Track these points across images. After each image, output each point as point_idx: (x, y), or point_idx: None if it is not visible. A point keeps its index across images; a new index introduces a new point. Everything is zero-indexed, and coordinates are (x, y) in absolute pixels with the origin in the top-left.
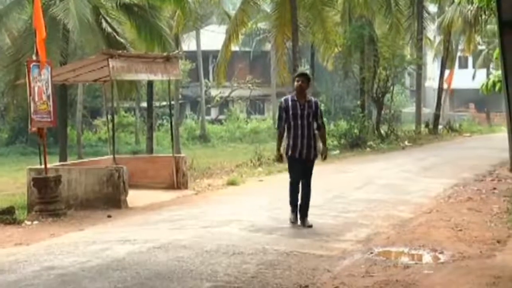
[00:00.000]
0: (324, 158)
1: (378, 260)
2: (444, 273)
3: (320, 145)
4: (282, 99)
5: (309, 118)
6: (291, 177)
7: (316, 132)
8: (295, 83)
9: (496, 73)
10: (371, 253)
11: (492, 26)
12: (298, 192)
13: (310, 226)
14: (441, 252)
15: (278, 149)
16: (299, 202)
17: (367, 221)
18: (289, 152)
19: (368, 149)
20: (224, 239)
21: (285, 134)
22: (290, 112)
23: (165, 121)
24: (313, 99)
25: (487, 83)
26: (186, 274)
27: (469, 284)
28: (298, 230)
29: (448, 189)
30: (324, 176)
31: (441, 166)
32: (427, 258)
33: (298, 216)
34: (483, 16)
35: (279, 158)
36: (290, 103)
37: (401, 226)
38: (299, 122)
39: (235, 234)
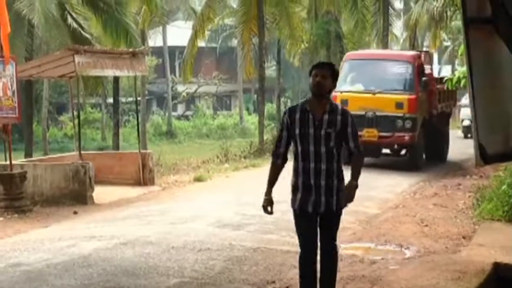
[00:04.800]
0: (349, 199)
1: (344, 256)
2: (410, 268)
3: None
4: (287, 108)
5: (329, 141)
6: (301, 243)
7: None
8: (311, 80)
9: (461, 69)
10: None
11: (457, 22)
12: (313, 264)
13: None
14: (407, 248)
15: (268, 192)
16: (317, 275)
17: None
18: (296, 204)
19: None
20: (190, 235)
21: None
22: (297, 131)
23: (131, 117)
24: (339, 107)
25: (452, 79)
26: (153, 270)
27: (434, 279)
28: (265, 226)
29: (414, 184)
30: (289, 169)
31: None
32: (393, 253)
33: None
34: (448, 13)
35: (267, 208)
36: (298, 115)
37: (367, 221)
38: (312, 148)
39: (202, 230)
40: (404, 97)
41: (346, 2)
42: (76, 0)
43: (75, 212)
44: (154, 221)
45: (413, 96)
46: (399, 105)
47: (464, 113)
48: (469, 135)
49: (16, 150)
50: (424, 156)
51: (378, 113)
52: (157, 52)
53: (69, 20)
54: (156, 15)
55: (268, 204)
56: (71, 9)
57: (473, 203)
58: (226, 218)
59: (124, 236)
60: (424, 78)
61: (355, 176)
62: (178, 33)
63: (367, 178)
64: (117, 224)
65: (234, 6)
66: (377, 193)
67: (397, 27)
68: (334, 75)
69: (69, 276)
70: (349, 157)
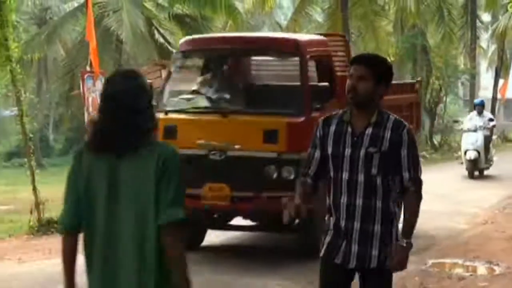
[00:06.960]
0: (399, 266)
1: (432, 272)
2: (499, 285)
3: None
4: (321, 119)
5: (370, 166)
6: None
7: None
8: (348, 81)
9: None
10: (425, 264)
11: None
12: None
13: None
14: (497, 264)
15: (302, 198)
16: None
17: (420, 232)
18: (322, 250)
19: (421, 159)
20: None
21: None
22: (329, 150)
23: None
24: (392, 118)
25: None
26: None
27: None
28: None
29: (503, 200)
30: None
31: (495, 177)
32: (482, 270)
33: None
34: None
35: (297, 212)
36: (333, 127)
37: (455, 237)
38: (345, 175)
39: None
40: (279, 120)
41: (432, 16)
42: (163, 15)
43: None
44: None
45: (297, 119)
46: (269, 137)
47: (469, 141)
48: (476, 173)
49: None
50: None
51: (231, 153)
52: None
53: (156, 35)
54: (241, 30)
55: (294, 208)
56: (158, 24)
57: None
58: None
59: None
60: (324, 84)
61: (406, 231)
62: None
63: (452, 192)
64: None
65: (320, 20)
66: (464, 208)
67: (484, 40)
68: (379, 74)
69: None
70: (402, 194)
